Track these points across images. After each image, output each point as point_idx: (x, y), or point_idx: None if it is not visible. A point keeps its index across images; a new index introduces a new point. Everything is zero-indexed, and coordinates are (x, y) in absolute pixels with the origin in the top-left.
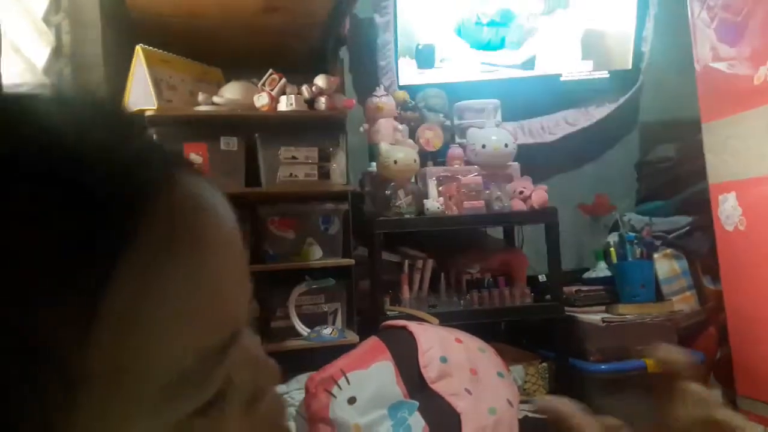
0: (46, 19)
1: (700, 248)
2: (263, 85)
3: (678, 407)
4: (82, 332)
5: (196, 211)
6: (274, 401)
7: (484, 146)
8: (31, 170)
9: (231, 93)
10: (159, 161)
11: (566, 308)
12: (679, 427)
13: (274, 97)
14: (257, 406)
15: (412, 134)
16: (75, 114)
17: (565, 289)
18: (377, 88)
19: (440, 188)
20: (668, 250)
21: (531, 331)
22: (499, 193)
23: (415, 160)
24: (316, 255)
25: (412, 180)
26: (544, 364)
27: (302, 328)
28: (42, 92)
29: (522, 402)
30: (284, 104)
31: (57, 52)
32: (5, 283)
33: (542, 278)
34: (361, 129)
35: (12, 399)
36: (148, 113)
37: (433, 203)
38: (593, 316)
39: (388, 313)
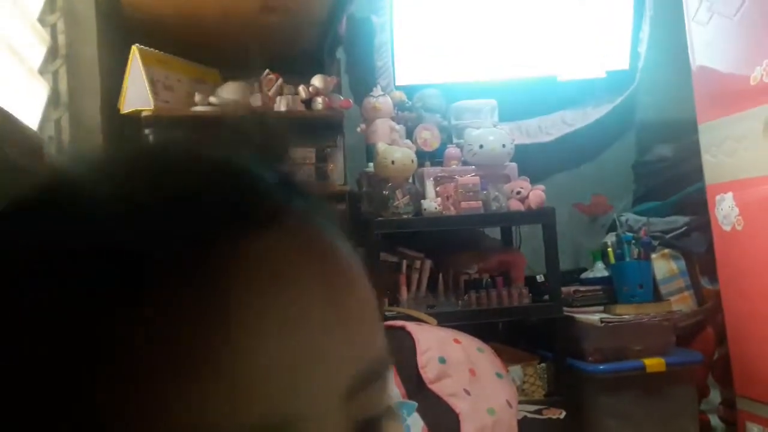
0: (42, 19)
1: (698, 248)
2: (260, 85)
3: None
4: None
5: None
6: None
7: (481, 146)
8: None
9: (228, 93)
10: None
11: (564, 308)
12: None
13: (271, 97)
14: None
15: (410, 134)
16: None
17: (563, 289)
18: (374, 88)
19: (437, 188)
20: (666, 251)
21: (529, 331)
22: (496, 193)
23: (412, 161)
24: None
25: (410, 180)
26: (543, 365)
27: None
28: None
29: (520, 402)
30: (281, 104)
31: (52, 52)
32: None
33: (540, 278)
34: (358, 129)
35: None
36: (144, 114)
37: (431, 203)
38: (591, 317)
39: (386, 313)
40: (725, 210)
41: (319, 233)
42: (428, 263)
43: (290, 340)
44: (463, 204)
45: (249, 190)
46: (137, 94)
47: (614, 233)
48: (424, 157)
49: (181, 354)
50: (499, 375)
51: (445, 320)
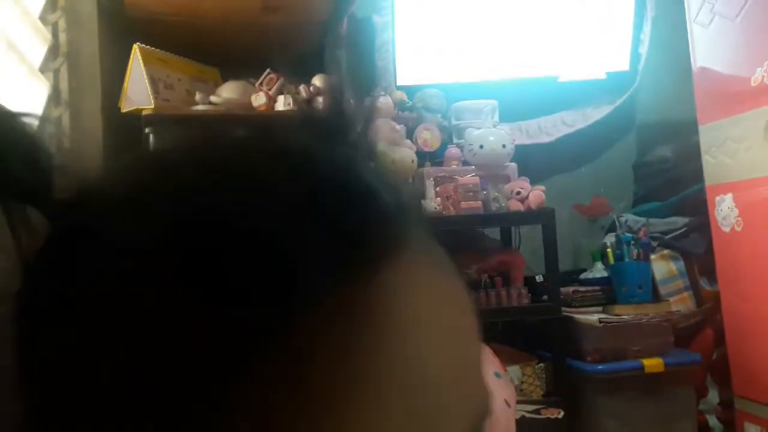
0: (43, 18)
1: (697, 249)
2: (261, 84)
3: None
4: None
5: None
6: None
7: (481, 147)
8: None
9: (228, 92)
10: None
11: (563, 309)
12: None
13: (271, 96)
14: None
15: (410, 135)
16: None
17: (562, 289)
18: (375, 88)
19: (437, 188)
20: (665, 251)
21: (528, 331)
22: (496, 193)
23: (412, 161)
24: None
25: (410, 180)
26: (541, 365)
27: None
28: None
29: (519, 402)
30: (282, 104)
31: (53, 50)
32: None
33: (539, 279)
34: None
35: None
36: (144, 112)
37: (431, 203)
38: (590, 317)
39: None
40: (725, 211)
41: (436, 267)
42: None
43: (409, 395)
44: (463, 204)
45: (376, 212)
46: (138, 92)
47: (614, 234)
48: (424, 157)
49: (297, 398)
50: (497, 375)
51: None
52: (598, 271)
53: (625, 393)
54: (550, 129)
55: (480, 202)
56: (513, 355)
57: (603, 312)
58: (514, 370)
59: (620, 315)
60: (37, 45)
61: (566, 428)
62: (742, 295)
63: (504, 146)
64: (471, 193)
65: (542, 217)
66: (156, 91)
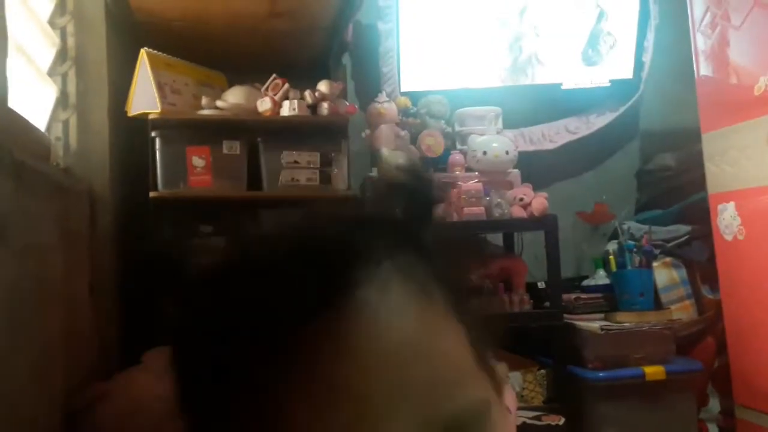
0: (52, 22)
1: (699, 257)
2: (266, 89)
3: None
4: None
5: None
6: None
7: (485, 153)
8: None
9: (234, 97)
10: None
11: (565, 315)
12: None
13: (277, 101)
14: None
15: (414, 140)
16: None
17: (564, 296)
18: (379, 94)
19: (441, 194)
20: (667, 259)
21: (529, 338)
22: (499, 199)
23: None
24: None
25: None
26: (543, 371)
27: None
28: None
29: (520, 409)
30: (287, 109)
31: (62, 54)
32: None
33: (541, 285)
34: (363, 135)
35: None
36: (151, 116)
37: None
38: (592, 324)
39: None
40: (727, 219)
41: (375, 316)
42: None
43: (359, 400)
44: (466, 210)
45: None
46: (144, 96)
47: (616, 241)
48: (427, 163)
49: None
50: None
51: None
52: (600, 278)
53: (626, 400)
54: (553, 136)
55: (483, 209)
56: (514, 361)
57: (605, 319)
58: (516, 376)
59: (622, 322)
60: (45, 49)
61: None
62: (744, 303)
63: (507, 153)
64: (474, 199)
65: (545, 223)
66: (163, 96)
